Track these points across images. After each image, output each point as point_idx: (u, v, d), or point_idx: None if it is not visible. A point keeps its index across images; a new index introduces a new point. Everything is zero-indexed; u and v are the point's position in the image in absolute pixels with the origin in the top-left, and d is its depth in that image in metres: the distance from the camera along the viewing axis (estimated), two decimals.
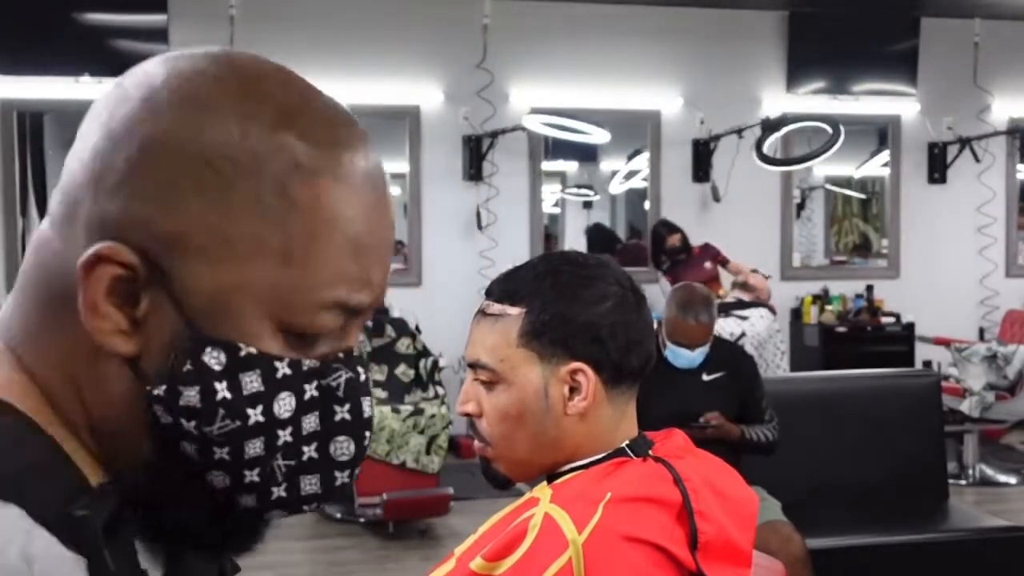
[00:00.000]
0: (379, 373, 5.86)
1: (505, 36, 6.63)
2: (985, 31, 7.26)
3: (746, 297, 5.96)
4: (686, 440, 1.28)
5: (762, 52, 7.16)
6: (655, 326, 2.53)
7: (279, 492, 0.61)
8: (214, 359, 0.57)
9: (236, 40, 6.23)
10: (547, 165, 7.16)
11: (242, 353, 0.57)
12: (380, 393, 5.74)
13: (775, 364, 5.81)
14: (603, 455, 1.22)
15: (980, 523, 3.92)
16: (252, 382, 0.58)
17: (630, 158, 7.51)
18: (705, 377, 3.41)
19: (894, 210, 7.49)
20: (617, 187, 7.83)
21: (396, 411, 5.31)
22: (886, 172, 7.56)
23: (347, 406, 0.62)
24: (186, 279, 0.56)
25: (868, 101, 7.31)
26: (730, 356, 3.53)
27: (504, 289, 1.25)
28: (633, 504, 1.14)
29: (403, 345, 5.96)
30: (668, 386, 3.31)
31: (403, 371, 5.91)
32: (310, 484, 0.62)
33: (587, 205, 8.13)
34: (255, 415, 0.58)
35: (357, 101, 6.20)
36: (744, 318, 5.66)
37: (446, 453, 5.25)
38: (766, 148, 6.32)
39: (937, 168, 7.42)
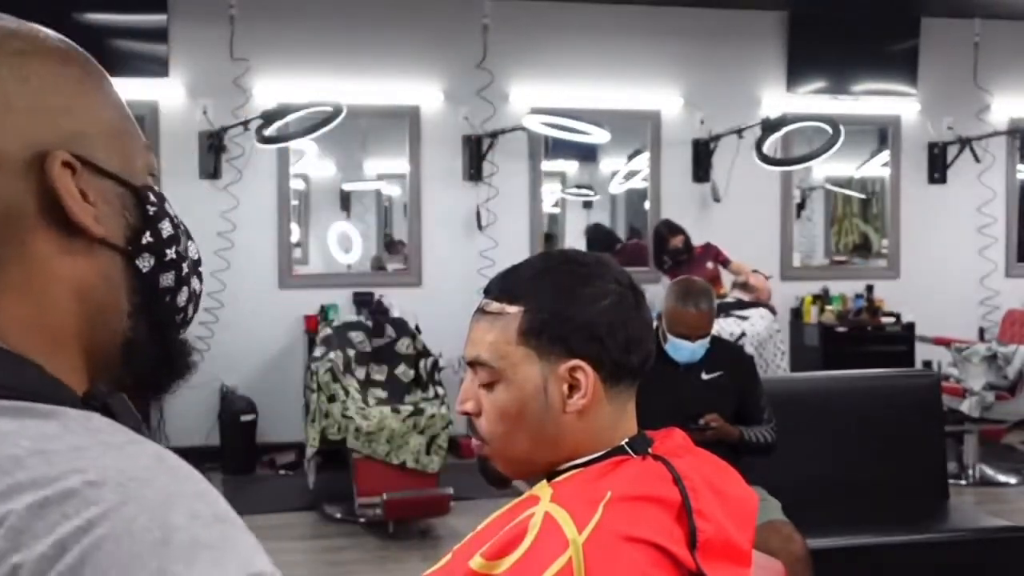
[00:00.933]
0: (379, 373, 5.86)
1: (505, 36, 6.63)
2: (985, 31, 7.26)
3: (746, 297, 5.96)
4: (686, 439, 1.27)
5: (762, 52, 7.16)
6: (654, 323, 2.53)
7: (194, 287, 0.78)
8: (154, 200, 0.74)
9: (236, 40, 6.23)
10: (547, 165, 7.16)
11: (157, 190, 0.75)
12: (380, 393, 5.74)
13: (775, 364, 5.81)
14: (602, 453, 1.22)
15: (980, 523, 3.92)
16: (167, 207, 0.75)
17: (630, 158, 7.51)
18: (704, 376, 3.42)
19: (894, 210, 7.49)
20: (617, 187, 7.83)
21: (396, 411, 5.30)
22: (886, 172, 7.56)
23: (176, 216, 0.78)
24: (104, 159, 0.71)
25: (868, 101, 7.31)
26: (730, 356, 3.54)
27: (503, 287, 1.24)
28: (633, 503, 1.14)
29: (403, 345, 5.96)
30: (667, 384, 3.31)
31: (403, 371, 5.91)
32: (196, 282, 0.79)
33: (587, 205, 8.13)
34: (182, 226, 0.77)
35: (357, 101, 6.20)
36: (744, 318, 5.67)
37: (446, 453, 5.25)
38: (766, 148, 6.32)
39: (937, 168, 7.42)
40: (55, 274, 0.67)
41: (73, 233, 0.68)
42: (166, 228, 0.73)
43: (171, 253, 0.74)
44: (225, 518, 0.57)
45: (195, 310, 0.79)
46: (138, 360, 0.73)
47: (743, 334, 5.50)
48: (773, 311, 6.02)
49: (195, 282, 0.78)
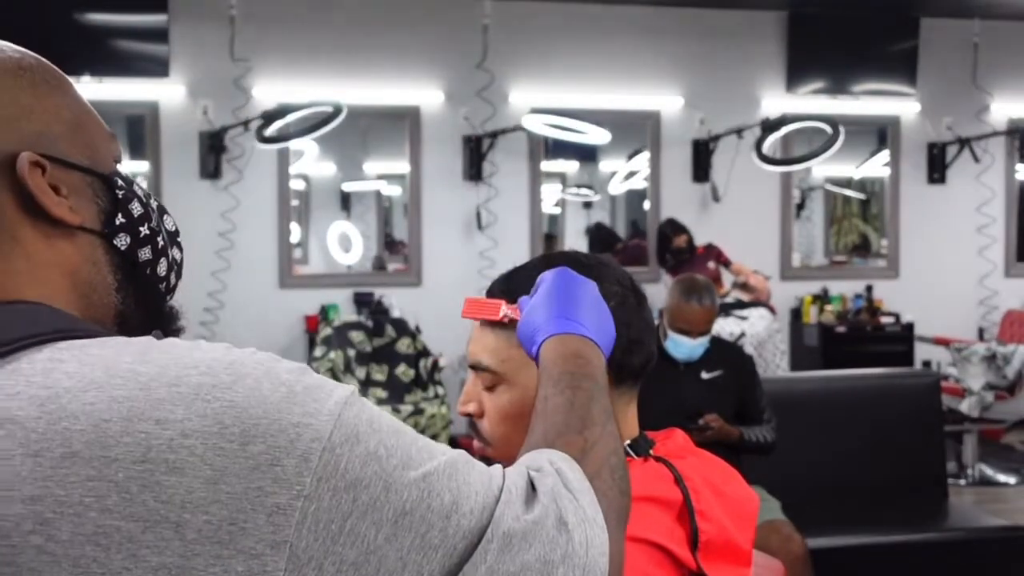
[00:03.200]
0: (379, 373, 5.87)
1: (505, 36, 6.63)
2: (985, 31, 7.26)
3: (745, 297, 5.96)
4: (687, 440, 1.28)
5: (762, 52, 7.16)
6: (656, 322, 2.53)
7: (173, 256, 0.85)
8: (122, 184, 0.80)
9: (236, 40, 6.23)
10: (547, 165, 7.16)
11: (123, 173, 0.82)
12: (380, 393, 5.75)
13: (775, 364, 5.81)
14: None
15: (980, 523, 3.92)
16: (136, 188, 0.82)
17: (630, 158, 7.50)
18: (704, 375, 3.43)
19: (894, 210, 7.49)
20: (617, 187, 7.82)
21: (396, 411, 5.31)
22: (886, 172, 7.56)
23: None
24: (69, 153, 0.77)
25: (868, 101, 7.31)
26: (729, 355, 3.55)
27: (505, 289, 1.24)
28: (634, 504, 1.14)
29: (403, 345, 5.97)
30: (667, 383, 3.32)
31: (403, 371, 5.91)
32: (176, 252, 0.86)
33: (587, 205, 8.12)
34: (154, 203, 0.84)
35: (357, 101, 6.20)
36: (744, 318, 5.67)
37: None
38: (766, 148, 6.31)
39: (937, 168, 7.42)
40: (46, 260, 0.75)
41: (54, 224, 0.75)
42: (136, 208, 0.80)
43: (144, 229, 0.81)
44: (303, 366, 0.70)
45: (178, 278, 0.86)
46: (130, 330, 0.78)
47: (743, 334, 5.50)
48: (773, 311, 6.02)
49: (174, 252, 0.85)
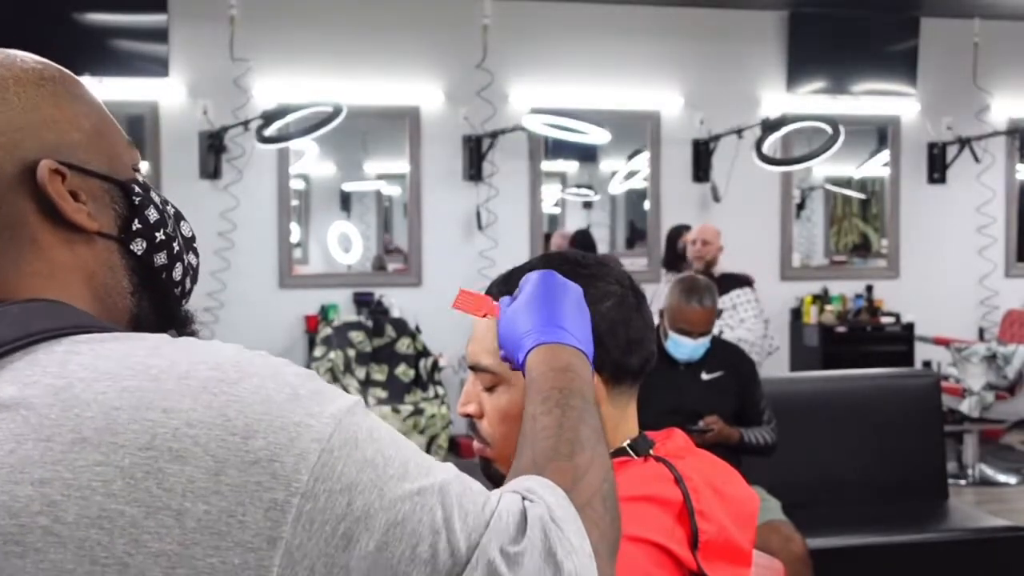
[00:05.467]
0: (379, 373, 5.87)
1: (505, 36, 6.63)
2: (985, 31, 7.26)
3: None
4: (687, 440, 1.28)
5: (762, 52, 7.16)
6: (655, 322, 2.53)
7: (189, 262, 0.86)
8: (139, 191, 0.82)
9: (236, 40, 6.23)
10: (547, 165, 7.16)
11: (141, 180, 0.83)
12: (380, 393, 5.75)
13: (769, 342, 5.70)
14: None
15: (980, 523, 3.92)
16: (152, 194, 0.83)
17: (630, 158, 7.50)
18: (705, 376, 3.43)
19: (894, 210, 7.49)
20: (617, 187, 7.82)
21: (396, 411, 5.31)
22: (886, 172, 7.56)
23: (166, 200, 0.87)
24: (88, 160, 0.78)
25: (868, 101, 7.31)
26: (730, 356, 3.55)
27: (503, 290, 1.24)
28: (634, 504, 1.14)
29: (403, 345, 5.97)
30: (668, 384, 3.33)
31: (403, 371, 5.91)
32: (192, 257, 0.87)
33: (587, 205, 8.13)
34: (171, 209, 0.85)
35: (357, 101, 6.20)
36: (732, 327, 5.54)
37: (446, 453, 5.25)
38: (766, 148, 6.31)
39: (937, 168, 7.42)
40: (65, 264, 0.77)
41: (73, 229, 0.77)
42: (152, 214, 0.82)
43: (160, 235, 0.82)
44: (311, 372, 0.71)
45: (193, 282, 0.88)
46: (144, 332, 0.79)
47: (743, 330, 5.46)
48: (750, 283, 5.68)
49: (190, 257, 0.87)
